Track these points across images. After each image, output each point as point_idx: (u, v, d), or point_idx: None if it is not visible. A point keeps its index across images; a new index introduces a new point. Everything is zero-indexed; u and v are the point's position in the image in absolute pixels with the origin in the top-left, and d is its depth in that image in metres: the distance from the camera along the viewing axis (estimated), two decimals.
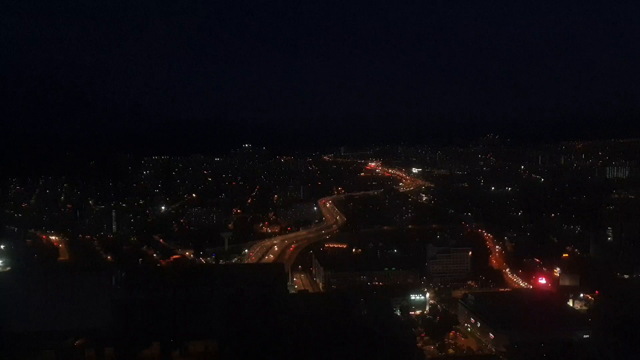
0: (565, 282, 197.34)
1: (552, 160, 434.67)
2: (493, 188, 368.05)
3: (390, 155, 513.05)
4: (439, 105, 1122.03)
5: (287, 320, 55.35)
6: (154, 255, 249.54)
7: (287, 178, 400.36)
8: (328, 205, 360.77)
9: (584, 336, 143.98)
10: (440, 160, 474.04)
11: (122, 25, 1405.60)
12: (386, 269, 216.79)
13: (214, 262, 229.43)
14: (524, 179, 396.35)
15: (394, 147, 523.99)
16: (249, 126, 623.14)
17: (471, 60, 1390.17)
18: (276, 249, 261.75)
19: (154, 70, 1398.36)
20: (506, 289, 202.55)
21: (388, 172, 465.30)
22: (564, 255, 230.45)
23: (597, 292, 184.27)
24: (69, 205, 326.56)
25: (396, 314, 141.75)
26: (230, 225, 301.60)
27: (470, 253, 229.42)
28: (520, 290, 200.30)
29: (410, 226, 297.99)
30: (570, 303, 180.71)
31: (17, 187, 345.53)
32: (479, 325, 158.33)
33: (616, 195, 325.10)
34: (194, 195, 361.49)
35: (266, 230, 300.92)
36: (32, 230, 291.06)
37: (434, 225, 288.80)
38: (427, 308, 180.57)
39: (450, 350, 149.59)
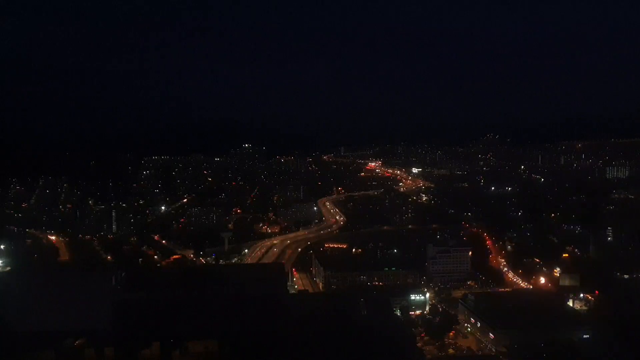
0: (565, 282, 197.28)
1: (552, 160, 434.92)
2: (493, 188, 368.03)
3: (390, 155, 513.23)
4: (439, 105, 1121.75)
5: (287, 320, 55.35)
6: (154, 255, 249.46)
7: (287, 178, 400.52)
8: (328, 205, 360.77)
9: (584, 336, 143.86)
10: (440, 160, 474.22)
11: (122, 26, 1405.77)
12: (386, 269, 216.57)
13: (214, 262, 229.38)
14: (524, 179, 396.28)
15: (394, 147, 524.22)
16: (249, 126, 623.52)
17: (471, 60, 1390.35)
18: (276, 249, 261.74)
19: (154, 70, 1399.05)
20: (506, 289, 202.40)
21: (388, 172, 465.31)
22: (564, 255, 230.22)
23: (597, 292, 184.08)
24: (69, 205, 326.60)
25: (396, 314, 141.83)
26: (230, 225, 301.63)
27: (470, 253, 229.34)
28: (520, 290, 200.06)
29: (410, 226, 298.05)
30: (570, 303, 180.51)
31: (17, 187, 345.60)
32: (479, 325, 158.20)
33: (616, 195, 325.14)
34: (194, 195, 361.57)
35: (266, 230, 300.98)
36: (32, 230, 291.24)
37: (434, 225, 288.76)
38: (427, 308, 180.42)
39: (450, 350, 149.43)
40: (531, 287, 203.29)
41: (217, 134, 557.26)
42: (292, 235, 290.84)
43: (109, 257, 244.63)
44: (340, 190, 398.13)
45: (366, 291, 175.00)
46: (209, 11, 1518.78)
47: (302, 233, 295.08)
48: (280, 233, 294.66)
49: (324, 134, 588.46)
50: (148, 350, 48.56)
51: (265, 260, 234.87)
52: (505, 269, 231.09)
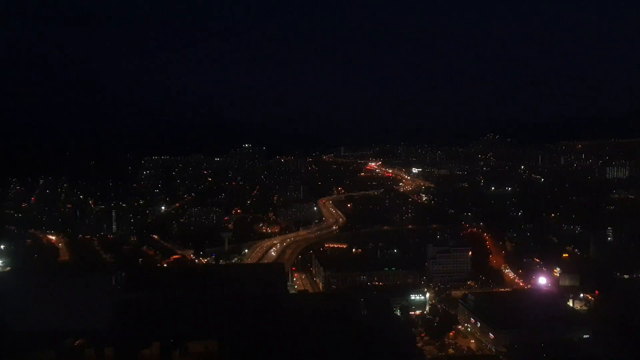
0: (565, 282, 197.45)
1: (552, 160, 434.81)
2: (493, 188, 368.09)
3: (390, 155, 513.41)
4: (439, 105, 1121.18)
5: (287, 320, 55.36)
6: (154, 255, 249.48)
7: (287, 178, 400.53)
8: (328, 205, 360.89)
9: (584, 336, 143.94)
10: (440, 160, 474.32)
11: (123, 26, 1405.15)
12: (386, 269, 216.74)
13: (214, 262, 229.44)
14: (524, 179, 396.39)
15: (394, 147, 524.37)
16: (249, 126, 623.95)
17: (471, 60, 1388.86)
18: (276, 249, 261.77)
19: (154, 70, 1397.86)
20: (506, 289, 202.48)
21: (388, 172, 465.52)
22: (564, 255, 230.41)
23: (597, 292, 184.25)
24: (69, 205, 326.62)
25: (396, 314, 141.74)
26: (230, 225, 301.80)
27: (470, 253, 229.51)
28: (520, 290, 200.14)
29: (410, 226, 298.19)
30: (570, 303, 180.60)
31: (17, 187, 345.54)
32: (479, 325, 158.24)
33: (616, 195, 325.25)
34: (194, 195, 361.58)
35: (266, 230, 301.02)
36: (32, 230, 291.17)
37: (434, 225, 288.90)
38: (427, 308, 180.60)
39: (450, 350, 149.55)
40: (531, 287, 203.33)
41: (217, 134, 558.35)
42: (292, 235, 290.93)
43: (109, 257, 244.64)
44: (340, 190, 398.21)
45: (366, 291, 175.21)
46: (209, 11, 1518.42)
47: (302, 233, 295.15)
48: (280, 233, 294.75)
49: (324, 134, 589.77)
50: (148, 350, 48.47)
51: (265, 260, 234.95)
52: (505, 269, 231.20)
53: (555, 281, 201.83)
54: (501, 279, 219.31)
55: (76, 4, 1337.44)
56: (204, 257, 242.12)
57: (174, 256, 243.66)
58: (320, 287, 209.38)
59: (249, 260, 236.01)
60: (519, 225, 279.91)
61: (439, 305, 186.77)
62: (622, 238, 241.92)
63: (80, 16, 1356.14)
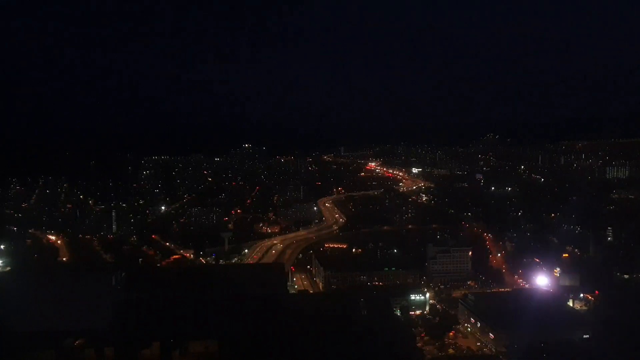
0: (565, 282, 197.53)
1: (552, 160, 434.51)
2: (493, 188, 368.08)
3: (390, 155, 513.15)
4: (438, 105, 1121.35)
5: (287, 320, 55.33)
6: (154, 255, 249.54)
7: (287, 178, 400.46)
8: (328, 205, 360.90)
9: (584, 336, 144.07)
10: (440, 160, 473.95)
11: (123, 26, 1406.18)
12: (386, 269, 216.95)
13: (214, 262, 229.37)
14: (524, 179, 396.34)
15: (394, 147, 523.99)
16: (249, 126, 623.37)
17: (471, 60, 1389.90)
18: (276, 249, 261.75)
19: (154, 70, 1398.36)
20: (506, 289, 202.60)
21: (388, 172, 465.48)
22: (564, 255, 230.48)
23: (597, 292, 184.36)
24: (69, 205, 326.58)
25: (396, 314, 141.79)
26: (230, 225, 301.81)
27: (470, 253, 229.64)
28: (520, 290, 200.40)
29: (410, 226, 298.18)
30: (570, 303, 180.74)
31: (17, 187, 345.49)
32: (479, 325, 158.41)
33: (616, 195, 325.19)
34: (194, 195, 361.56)
35: (266, 230, 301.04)
36: (32, 230, 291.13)
37: (434, 225, 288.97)
38: (427, 308, 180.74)
39: (450, 350, 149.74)
40: (531, 287, 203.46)
41: (217, 134, 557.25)
42: (292, 235, 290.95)
43: (109, 257, 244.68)
44: (340, 190, 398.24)
45: (366, 291, 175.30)
46: (209, 11, 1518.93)
47: (302, 233, 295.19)
48: (280, 233, 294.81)
49: (324, 134, 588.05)
50: (148, 350, 48.37)
51: (265, 260, 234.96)
52: (505, 269, 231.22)
53: (555, 281, 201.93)
54: (501, 279, 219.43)
55: (78, 3, 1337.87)
56: (204, 257, 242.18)
57: (174, 256, 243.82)
58: (320, 287, 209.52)
59: (249, 260, 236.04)
60: (519, 225, 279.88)
61: (439, 305, 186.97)
62: (622, 238, 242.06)
63: (80, 16, 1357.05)
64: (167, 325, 52.53)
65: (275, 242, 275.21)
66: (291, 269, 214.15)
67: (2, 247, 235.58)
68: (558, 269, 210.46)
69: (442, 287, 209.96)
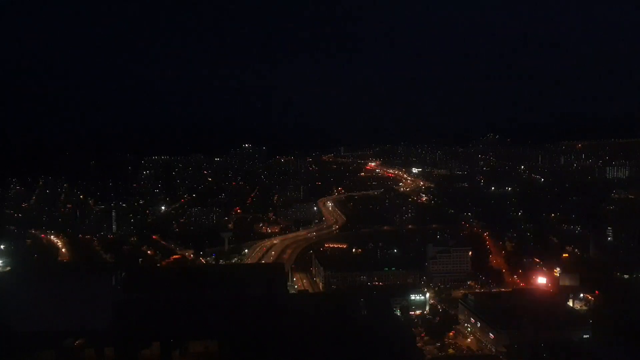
0: (565, 282, 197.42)
1: (552, 160, 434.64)
2: (493, 188, 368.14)
3: (390, 155, 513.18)
4: (438, 105, 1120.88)
5: (287, 320, 55.31)
6: (154, 255, 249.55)
7: (287, 178, 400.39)
8: (328, 205, 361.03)
9: (584, 336, 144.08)
10: (440, 160, 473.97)
11: (123, 26, 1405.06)
12: (386, 269, 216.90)
13: (214, 262, 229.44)
14: (524, 179, 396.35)
15: (394, 147, 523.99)
16: (249, 126, 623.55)
17: (471, 60, 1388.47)
18: (276, 249, 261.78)
19: (154, 70, 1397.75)
20: (506, 289, 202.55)
21: (388, 172, 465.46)
22: (564, 255, 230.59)
23: (597, 292, 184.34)
24: (69, 205, 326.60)
25: (396, 314, 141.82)
26: (230, 225, 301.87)
27: (470, 253, 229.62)
28: (520, 290, 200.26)
29: (410, 226, 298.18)
30: (570, 303, 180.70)
31: (17, 187, 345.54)
32: (479, 325, 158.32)
33: (616, 195, 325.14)
34: (194, 195, 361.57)
35: (266, 230, 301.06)
36: (32, 230, 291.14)
37: (434, 225, 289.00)
38: (427, 308, 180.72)
39: (450, 350, 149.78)
40: (531, 287, 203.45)
41: (217, 134, 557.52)
42: (292, 235, 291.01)
43: (109, 257, 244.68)
44: (340, 190, 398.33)
45: (366, 291, 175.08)
46: (209, 11, 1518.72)
47: (302, 233, 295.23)
48: (280, 233, 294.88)
49: (323, 134, 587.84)
50: (148, 350, 48.46)
51: (265, 260, 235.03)
52: (505, 269, 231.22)
53: (555, 281, 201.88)
54: (501, 279, 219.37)
55: (77, 3, 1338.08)
56: (204, 257, 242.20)
57: (174, 256, 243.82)
58: (320, 287, 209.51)
59: (249, 260, 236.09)
60: (519, 225, 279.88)
61: (439, 305, 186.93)
62: (622, 238, 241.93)
63: (81, 16, 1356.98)
64: (167, 325, 52.54)
65: (275, 242, 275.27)
66: (292, 270, 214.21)
67: (2, 247, 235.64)
68: (558, 269, 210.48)
69: (442, 287, 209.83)
